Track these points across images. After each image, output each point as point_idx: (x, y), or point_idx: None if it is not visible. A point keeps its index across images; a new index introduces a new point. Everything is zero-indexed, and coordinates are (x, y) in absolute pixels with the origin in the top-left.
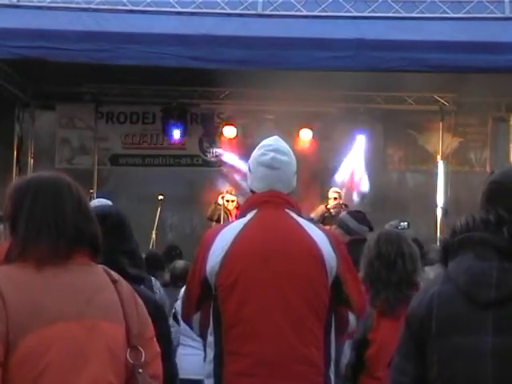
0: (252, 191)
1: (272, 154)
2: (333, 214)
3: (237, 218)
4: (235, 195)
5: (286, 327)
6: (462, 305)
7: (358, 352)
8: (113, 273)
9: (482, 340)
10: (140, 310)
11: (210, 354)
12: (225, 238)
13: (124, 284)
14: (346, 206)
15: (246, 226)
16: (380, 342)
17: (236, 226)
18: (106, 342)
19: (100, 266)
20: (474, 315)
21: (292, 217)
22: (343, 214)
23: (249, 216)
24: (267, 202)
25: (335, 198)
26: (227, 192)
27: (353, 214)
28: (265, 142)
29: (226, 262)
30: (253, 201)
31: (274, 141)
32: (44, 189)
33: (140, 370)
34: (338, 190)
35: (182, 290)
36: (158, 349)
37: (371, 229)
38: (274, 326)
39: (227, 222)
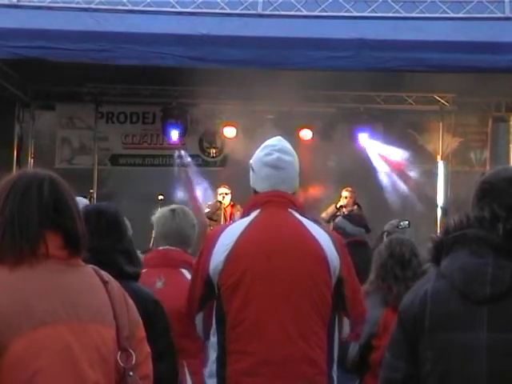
0: (255, 191)
1: (277, 154)
2: (345, 213)
3: (231, 216)
4: (229, 189)
5: (290, 326)
6: (456, 301)
7: (363, 354)
8: (103, 273)
9: (477, 336)
10: (131, 311)
11: (213, 354)
12: (228, 236)
13: (114, 284)
14: (358, 205)
15: (249, 225)
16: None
17: (239, 225)
18: (95, 345)
19: (90, 266)
20: (469, 311)
21: (295, 217)
22: (338, 218)
23: (252, 215)
24: (271, 201)
25: (346, 197)
26: (221, 186)
27: (348, 216)
28: (269, 142)
29: (230, 261)
30: (256, 200)
31: (278, 141)
32: (16, 188)
33: (131, 373)
34: (351, 190)
35: None
36: (149, 349)
37: (368, 230)
38: (278, 325)
39: (230, 221)
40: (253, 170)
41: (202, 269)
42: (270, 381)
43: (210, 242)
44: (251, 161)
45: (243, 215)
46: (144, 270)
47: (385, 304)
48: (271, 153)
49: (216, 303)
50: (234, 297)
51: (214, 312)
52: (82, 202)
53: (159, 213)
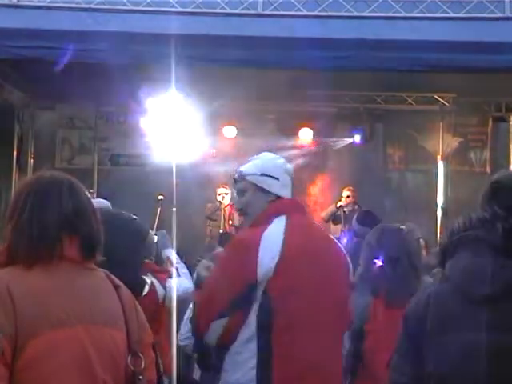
0: (278, 197)
1: (290, 166)
2: (346, 212)
3: (230, 216)
4: (228, 189)
5: (337, 333)
6: (457, 302)
7: (356, 343)
8: (114, 278)
9: (477, 336)
10: (139, 316)
11: (251, 360)
12: (272, 242)
13: (125, 289)
14: (358, 205)
15: (287, 231)
16: (376, 333)
17: (277, 232)
18: (108, 349)
19: (101, 270)
20: (469, 312)
21: (320, 225)
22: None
23: (282, 221)
24: (295, 208)
25: (348, 197)
26: (220, 186)
27: (359, 215)
28: (271, 154)
29: (281, 267)
30: (282, 206)
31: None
32: (35, 190)
33: (140, 377)
34: (352, 189)
35: None
36: (153, 355)
37: None
38: (326, 333)
39: (229, 221)
40: (273, 177)
41: (244, 274)
42: None
43: (249, 248)
44: (266, 168)
45: (265, 218)
46: None
47: (375, 295)
48: (286, 162)
49: (260, 309)
50: (284, 302)
51: (256, 318)
52: (102, 203)
53: None
